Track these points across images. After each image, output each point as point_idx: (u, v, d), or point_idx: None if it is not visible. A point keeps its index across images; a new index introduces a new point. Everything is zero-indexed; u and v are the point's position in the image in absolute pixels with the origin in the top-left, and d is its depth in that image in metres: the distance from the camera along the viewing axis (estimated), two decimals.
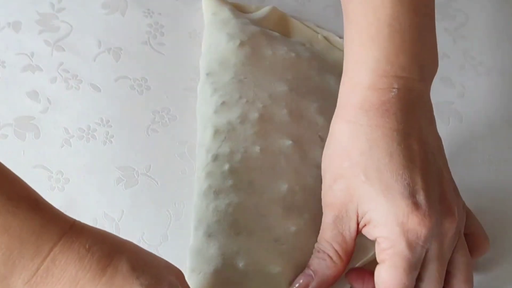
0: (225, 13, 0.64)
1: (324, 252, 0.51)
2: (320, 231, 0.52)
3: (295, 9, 0.67)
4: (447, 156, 0.60)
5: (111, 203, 0.56)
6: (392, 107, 0.50)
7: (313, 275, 0.51)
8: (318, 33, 0.66)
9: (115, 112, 0.60)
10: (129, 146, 0.59)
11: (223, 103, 0.58)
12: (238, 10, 0.66)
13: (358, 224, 0.50)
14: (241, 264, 0.52)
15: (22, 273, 0.41)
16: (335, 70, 0.64)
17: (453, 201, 0.51)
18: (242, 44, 0.61)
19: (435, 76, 0.64)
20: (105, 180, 0.57)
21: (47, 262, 0.42)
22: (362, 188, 0.49)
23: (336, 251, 0.51)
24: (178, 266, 0.53)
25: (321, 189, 0.54)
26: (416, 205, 0.48)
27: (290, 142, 0.57)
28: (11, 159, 0.57)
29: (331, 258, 0.51)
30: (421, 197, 0.48)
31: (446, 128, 0.62)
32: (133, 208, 0.56)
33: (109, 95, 0.61)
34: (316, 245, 0.52)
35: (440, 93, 0.63)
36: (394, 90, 0.50)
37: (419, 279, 0.50)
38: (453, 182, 0.53)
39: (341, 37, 0.65)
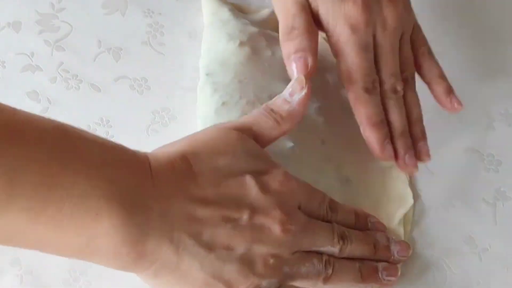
0: (225, 13, 0.64)
1: (296, 28, 0.56)
2: (284, 14, 0.57)
3: None
4: (446, 157, 0.60)
5: None
6: None
7: (306, 55, 0.55)
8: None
9: (115, 112, 0.60)
10: (129, 146, 0.58)
11: (223, 103, 0.58)
12: (238, 11, 0.66)
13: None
14: None
15: (145, 193, 0.45)
16: (335, 70, 0.64)
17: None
18: (242, 44, 0.61)
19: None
20: None
21: (155, 177, 0.46)
22: None
23: (306, 21, 0.57)
24: None
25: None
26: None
27: (291, 144, 0.57)
28: None
29: (307, 30, 0.56)
30: None
31: (446, 128, 0.62)
32: None
33: (109, 95, 0.61)
34: (284, 30, 0.56)
35: None
36: None
37: (377, 69, 0.57)
38: None
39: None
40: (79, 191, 0.43)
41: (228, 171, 0.49)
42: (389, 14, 0.57)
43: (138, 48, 0.64)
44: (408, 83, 0.59)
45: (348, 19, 0.56)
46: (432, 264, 0.56)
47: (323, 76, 0.62)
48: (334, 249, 0.51)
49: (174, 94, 0.62)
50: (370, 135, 0.56)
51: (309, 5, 0.57)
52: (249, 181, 0.49)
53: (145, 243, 0.45)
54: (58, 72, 0.62)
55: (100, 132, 0.59)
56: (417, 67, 0.60)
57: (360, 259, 0.52)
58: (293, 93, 0.53)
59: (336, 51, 0.57)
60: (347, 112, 0.60)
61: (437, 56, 0.65)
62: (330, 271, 0.50)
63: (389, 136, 0.56)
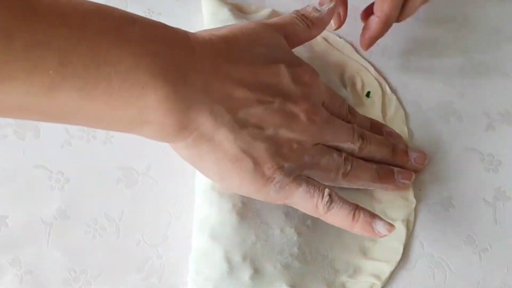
0: (225, 13, 0.64)
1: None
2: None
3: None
4: (446, 157, 0.60)
5: (111, 203, 0.56)
6: None
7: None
8: None
9: None
10: (129, 146, 0.59)
11: None
12: (238, 11, 0.66)
13: None
14: (247, 277, 0.52)
15: (186, 67, 0.48)
16: (335, 70, 0.64)
17: None
18: None
19: (435, 76, 0.64)
20: (105, 180, 0.57)
21: (195, 52, 0.49)
22: None
23: None
24: (179, 267, 0.54)
25: None
26: None
27: None
28: (11, 159, 0.57)
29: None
30: None
31: (446, 128, 0.62)
32: (133, 208, 0.56)
33: None
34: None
35: (440, 93, 0.63)
36: None
37: None
38: None
39: (340, 37, 0.66)
40: (125, 67, 0.45)
41: (264, 59, 0.52)
42: None
43: None
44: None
45: None
46: (432, 264, 0.55)
47: (322, 77, 0.62)
48: (354, 147, 0.55)
49: None
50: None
51: None
52: (283, 70, 0.52)
53: (187, 114, 0.48)
54: None
55: (100, 132, 0.59)
56: None
57: (377, 163, 0.56)
58: (322, 3, 0.57)
59: None
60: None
61: (437, 56, 0.65)
62: (349, 167, 0.54)
63: None
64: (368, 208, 0.55)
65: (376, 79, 0.63)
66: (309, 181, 0.52)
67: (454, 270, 0.55)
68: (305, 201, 0.52)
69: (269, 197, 0.52)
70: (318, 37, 0.65)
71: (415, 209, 0.58)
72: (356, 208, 0.52)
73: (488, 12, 0.68)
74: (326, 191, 0.52)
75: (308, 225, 0.54)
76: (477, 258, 0.56)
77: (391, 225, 0.52)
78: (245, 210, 0.54)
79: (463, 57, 0.65)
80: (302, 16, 0.56)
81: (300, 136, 0.52)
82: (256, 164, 0.51)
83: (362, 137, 0.56)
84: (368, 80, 0.63)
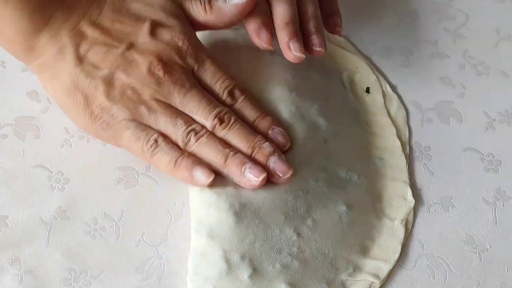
0: None
1: None
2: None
3: None
4: (446, 157, 0.60)
5: (111, 203, 0.56)
6: None
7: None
8: None
9: None
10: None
11: None
12: None
13: None
14: (246, 276, 0.52)
15: (53, 1, 0.53)
16: (335, 69, 0.64)
17: None
18: (239, 47, 0.61)
19: (435, 76, 0.64)
20: (105, 180, 0.57)
21: None
22: None
23: None
24: (178, 267, 0.54)
25: (328, 195, 0.55)
26: None
27: (295, 146, 0.57)
28: (11, 159, 0.57)
29: None
30: None
31: (446, 128, 0.62)
32: (133, 208, 0.56)
33: None
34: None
35: (440, 93, 0.63)
36: None
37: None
38: None
39: (341, 36, 0.65)
40: None
41: (134, 12, 0.55)
42: None
43: None
44: None
45: None
46: (432, 264, 0.55)
47: (322, 76, 0.62)
48: (206, 123, 0.54)
49: None
50: (247, 24, 0.57)
51: None
52: (145, 25, 0.55)
53: (35, 39, 0.53)
54: None
55: None
56: None
57: (236, 151, 0.54)
58: None
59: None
60: (348, 112, 0.60)
61: (437, 56, 0.65)
62: (193, 139, 0.53)
63: (268, 24, 0.57)
64: (367, 208, 0.55)
65: (376, 77, 0.63)
66: (139, 126, 0.53)
67: (454, 270, 0.55)
68: (132, 143, 0.54)
69: (99, 135, 0.55)
70: None
71: (415, 209, 0.58)
72: (181, 155, 0.53)
73: (488, 12, 0.68)
74: (154, 135, 0.53)
75: (308, 225, 0.54)
76: (477, 258, 0.56)
77: (211, 174, 0.52)
78: (243, 210, 0.54)
79: (463, 57, 0.65)
80: (205, 0, 0.56)
81: (136, 84, 0.53)
82: (86, 100, 0.54)
83: (220, 119, 0.54)
84: (367, 76, 0.63)
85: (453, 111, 0.63)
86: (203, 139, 0.53)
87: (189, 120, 0.54)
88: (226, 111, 0.54)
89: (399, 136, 0.61)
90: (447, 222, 0.57)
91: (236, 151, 0.54)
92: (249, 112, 0.56)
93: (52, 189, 0.56)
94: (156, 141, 0.53)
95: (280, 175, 0.54)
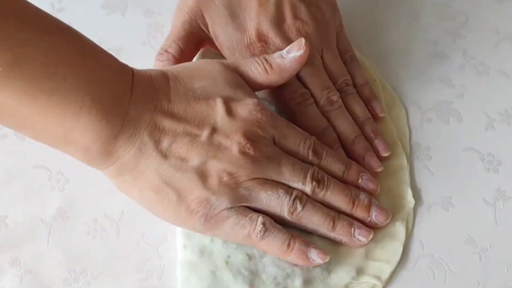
0: None
1: (168, 52, 0.59)
2: (168, 35, 0.60)
3: None
4: (446, 157, 0.60)
5: (111, 203, 0.56)
6: None
7: None
8: None
9: None
10: None
11: None
12: None
13: (205, 33, 0.60)
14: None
15: (123, 98, 0.50)
16: None
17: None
18: None
19: (435, 76, 0.64)
20: (105, 180, 0.57)
21: (134, 86, 0.51)
22: (213, 10, 0.59)
23: (181, 49, 0.59)
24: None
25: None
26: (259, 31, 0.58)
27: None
28: (11, 159, 0.57)
29: (175, 57, 0.59)
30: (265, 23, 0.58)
31: (446, 128, 0.62)
32: (133, 208, 0.56)
33: None
34: (160, 50, 0.59)
35: (440, 93, 0.63)
36: None
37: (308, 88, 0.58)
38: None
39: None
40: (69, 85, 0.47)
41: (201, 93, 0.52)
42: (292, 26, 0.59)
43: (138, 48, 0.64)
44: (345, 91, 0.60)
45: (252, 51, 0.59)
46: (432, 264, 0.55)
47: None
48: (306, 188, 0.53)
49: None
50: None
51: (203, 36, 0.60)
52: (219, 103, 0.52)
53: (114, 142, 0.50)
54: None
55: None
56: None
57: (338, 212, 0.54)
58: (290, 51, 0.55)
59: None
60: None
61: (437, 56, 0.65)
62: (299, 206, 0.52)
63: (338, 141, 0.58)
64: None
65: (376, 77, 0.63)
66: (240, 212, 0.51)
67: (454, 270, 0.55)
68: (235, 232, 0.51)
69: (195, 228, 0.52)
70: None
71: (415, 209, 0.58)
72: (291, 237, 0.51)
73: (488, 12, 0.68)
74: (260, 220, 0.51)
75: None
76: (477, 258, 0.56)
77: (325, 254, 0.52)
78: None
79: (463, 57, 0.65)
80: (263, 60, 0.55)
81: (231, 168, 0.51)
82: (180, 195, 0.51)
83: (317, 180, 0.53)
84: (367, 76, 0.63)
85: (453, 111, 0.63)
86: (309, 205, 0.52)
87: (288, 189, 0.52)
88: (317, 171, 0.53)
89: (399, 136, 0.61)
90: (447, 222, 0.57)
91: (339, 212, 0.54)
92: (336, 166, 0.55)
93: (52, 189, 0.56)
94: (264, 224, 0.51)
95: (383, 224, 0.55)
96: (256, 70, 0.55)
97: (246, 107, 0.52)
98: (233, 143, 0.51)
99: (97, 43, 0.63)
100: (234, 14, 0.59)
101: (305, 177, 0.53)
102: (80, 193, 0.57)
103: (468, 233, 0.57)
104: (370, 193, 0.55)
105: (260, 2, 0.59)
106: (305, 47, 0.54)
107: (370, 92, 0.61)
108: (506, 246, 0.57)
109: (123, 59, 0.63)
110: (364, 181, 0.55)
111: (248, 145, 0.51)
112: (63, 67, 0.47)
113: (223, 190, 0.51)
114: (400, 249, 0.55)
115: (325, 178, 0.53)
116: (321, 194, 0.53)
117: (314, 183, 0.53)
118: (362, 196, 0.54)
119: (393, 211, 0.57)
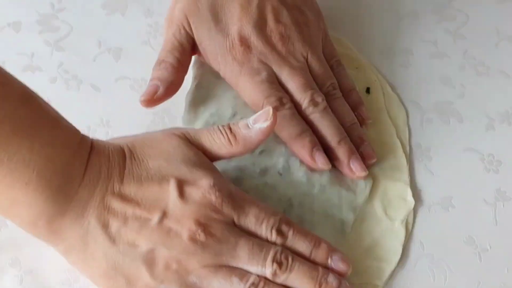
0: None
1: (165, 61, 0.58)
2: (162, 47, 0.59)
3: None
4: (446, 157, 0.60)
5: None
6: None
7: (159, 84, 0.57)
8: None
9: (115, 112, 0.61)
10: None
11: (211, 114, 0.59)
12: None
13: (194, 40, 0.59)
14: None
15: (75, 178, 0.48)
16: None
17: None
18: None
19: (435, 76, 0.64)
20: None
21: (89, 165, 0.49)
22: (197, 16, 0.59)
23: (177, 58, 0.58)
24: None
25: (324, 199, 0.55)
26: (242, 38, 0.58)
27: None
28: None
29: (172, 65, 0.58)
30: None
31: (446, 128, 0.62)
32: None
33: (109, 95, 0.61)
34: (156, 61, 0.59)
35: (440, 93, 0.63)
36: None
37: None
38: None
39: (339, 38, 0.65)
40: (19, 159, 0.46)
41: (155, 173, 0.50)
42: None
43: (138, 48, 0.64)
44: (332, 94, 0.59)
45: (234, 55, 0.58)
46: (432, 264, 0.55)
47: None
48: (266, 271, 0.49)
49: (174, 95, 0.61)
50: (295, 149, 0.56)
51: (193, 43, 0.60)
52: (172, 186, 0.49)
53: (59, 222, 0.48)
54: (58, 72, 0.62)
55: (100, 132, 0.59)
56: None
57: None
58: (256, 121, 0.52)
59: (233, 86, 0.59)
60: None
61: (437, 56, 0.65)
62: None
63: (317, 144, 0.56)
64: (366, 209, 0.55)
65: (376, 77, 0.63)
66: None
67: (454, 270, 0.55)
68: None
69: None
70: None
71: (415, 209, 0.58)
72: None
73: (488, 12, 0.68)
74: None
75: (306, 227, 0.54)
76: (477, 258, 0.56)
77: None
78: None
79: (463, 57, 0.65)
80: (227, 130, 0.52)
81: (181, 255, 0.48)
82: (129, 283, 0.49)
83: (279, 262, 0.49)
84: (367, 76, 0.63)
85: (453, 111, 0.63)
86: None
87: (244, 275, 0.49)
88: (280, 251, 0.50)
89: (399, 136, 0.61)
90: (447, 222, 0.57)
91: None
92: (303, 245, 0.51)
93: None
94: None
95: None
96: (219, 141, 0.52)
97: (200, 190, 0.49)
98: (183, 229, 0.48)
99: (97, 43, 0.64)
100: (217, 19, 0.59)
101: (265, 259, 0.49)
102: None
103: (468, 233, 0.57)
104: (340, 275, 0.51)
105: (242, 6, 0.59)
106: (272, 118, 0.52)
107: (357, 98, 0.60)
108: (506, 246, 0.57)
109: (123, 59, 0.63)
110: (334, 262, 0.51)
111: (199, 231, 0.48)
112: (17, 139, 0.46)
113: (172, 278, 0.48)
114: (400, 249, 0.55)
115: (289, 259, 0.50)
116: (282, 277, 0.49)
117: (275, 265, 0.49)
118: (331, 278, 0.50)
119: (393, 211, 0.57)
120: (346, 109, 0.59)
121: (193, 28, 0.59)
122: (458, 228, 0.57)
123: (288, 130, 0.56)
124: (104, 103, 0.61)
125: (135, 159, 0.50)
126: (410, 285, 0.55)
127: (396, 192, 0.58)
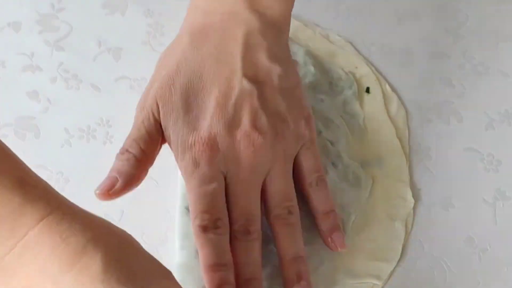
0: None
1: (129, 152, 0.52)
2: (129, 133, 0.54)
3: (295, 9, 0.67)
4: (446, 157, 0.60)
5: (111, 203, 0.56)
6: (211, 31, 0.55)
7: (117, 177, 0.52)
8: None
9: (115, 112, 0.61)
10: None
11: None
12: None
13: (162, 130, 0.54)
14: None
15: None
16: (334, 66, 0.64)
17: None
18: None
19: (435, 76, 0.64)
20: None
21: (19, 245, 0.40)
22: (168, 102, 0.54)
23: (142, 149, 0.53)
24: None
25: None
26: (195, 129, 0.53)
27: None
28: None
29: (135, 157, 0.52)
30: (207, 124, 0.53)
31: (446, 128, 0.62)
32: (133, 208, 0.56)
33: (109, 95, 0.61)
34: (120, 149, 0.53)
35: (440, 93, 0.63)
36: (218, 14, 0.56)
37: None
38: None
39: (340, 36, 0.65)
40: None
41: None
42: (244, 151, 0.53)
43: (138, 48, 0.64)
44: (283, 219, 0.53)
45: (193, 153, 0.52)
46: (432, 264, 0.55)
47: (322, 74, 0.62)
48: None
49: None
50: (204, 278, 0.50)
51: (160, 131, 0.54)
52: None
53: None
54: (58, 72, 0.62)
55: (100, 132, 0.59)
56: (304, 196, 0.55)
57: None
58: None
59: (185, 182, 0.53)
60: (349, 120, 0.61)
61: (437, 57, 0.65)
62: None
63: (229, 281, 0.50)
64: (366, 209, 0.55)
65: (376, 77, 0.63)
66: None
67: (454, 270, 0.55)
68: None
69: None
70: (318, 34, 0.65)
71: (415, 209, 0.58)
72: None
73: (488, 12, 0.68)
74: None
75: (304, 237, 0.54)
76: (477, 258, 0.56)
77: None
78: None
79: (463, 57, 0.65)
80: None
81: None
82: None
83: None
84: (367, 76, 0.63)
85: (453, 111, 0.63)
86: None
87: None
88: None
89: (399, 136, 0.61)
90: (447, 222, 0.57)
91: None
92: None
93: None
94: None
95: None
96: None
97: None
98: None
99: (97, 43, 0.64)
100: (188, 108, 0.53)
101: None
102: (80, 193, 0.56)
103: (468, 233, 0.57)
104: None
105: (218, 101, 0.53)
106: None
107: (333, 222, 0.54)
108: (506, 246, 0.57)
109: (123, 59, 0.63)
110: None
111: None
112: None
113: None
114: (400, 249, 0.56)
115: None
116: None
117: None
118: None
119: (393, 211, 0.57)
120: (294, 239, 0.53)
121: (161, 114, 0.54)
122: (458, 227, 0.57)
123: (206, 255, 0.50)
124: (104, 103, 0.61)
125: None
126: (410, 285, 0.55)
127: (396, 191, 0.58)
